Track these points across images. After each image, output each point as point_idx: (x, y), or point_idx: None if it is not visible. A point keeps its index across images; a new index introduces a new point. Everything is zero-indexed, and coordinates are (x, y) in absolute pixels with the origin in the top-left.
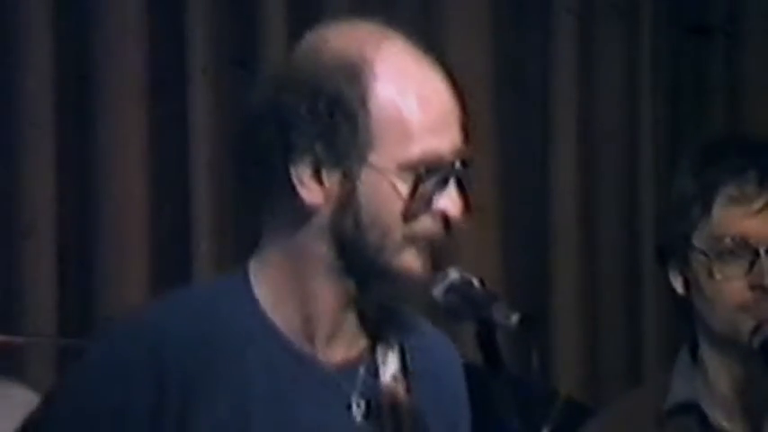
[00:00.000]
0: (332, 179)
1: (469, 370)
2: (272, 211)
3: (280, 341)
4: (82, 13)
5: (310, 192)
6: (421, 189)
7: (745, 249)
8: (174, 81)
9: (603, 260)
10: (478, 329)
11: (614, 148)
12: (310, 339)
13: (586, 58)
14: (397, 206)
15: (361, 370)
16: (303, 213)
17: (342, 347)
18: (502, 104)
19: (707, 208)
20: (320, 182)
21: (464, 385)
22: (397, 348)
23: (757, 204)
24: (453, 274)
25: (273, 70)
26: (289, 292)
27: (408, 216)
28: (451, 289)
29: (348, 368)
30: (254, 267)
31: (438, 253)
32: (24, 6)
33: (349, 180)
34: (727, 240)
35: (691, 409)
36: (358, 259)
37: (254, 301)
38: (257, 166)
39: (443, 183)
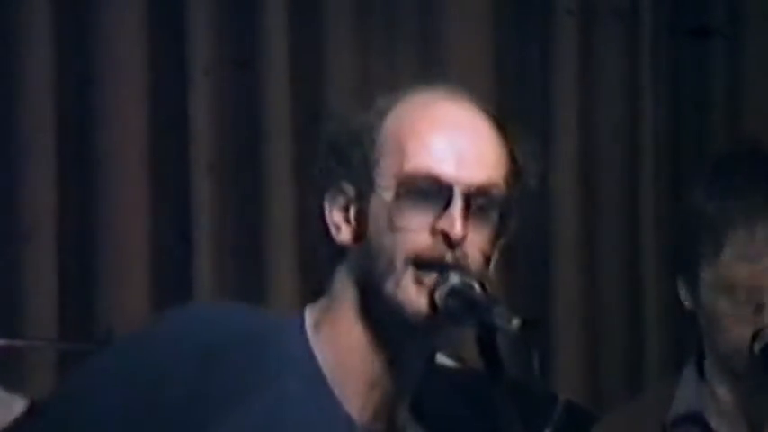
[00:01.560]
0: (354, 213)
1: (470, 374)
2: (321, 259)
3: (320, 390)
4: (82, 15)
5: (339, 231)
6: (415, 202)
7: (751, 296)
8: (174, 83)
9: (604, 264)
10: (479, 334)
11: (615, 151)
12: (344, 389)
13: (587, 60)
14: (392, 219)
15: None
16: (338, 255)
17: (375, 410)
18: (503, 106)
19: (717, 249)
20: (347, 219)
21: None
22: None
23: (766, 261)
24: (454, 279)
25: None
26: (332, 345)
27: (395, 227)
28: (453, 293)
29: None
30: (310, 310)
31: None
32: (25, 10)
33: (364, 209)
34: (735, 287)
35: (695, 419)
36: (372, 294)
37: (302, 336)
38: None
39: (445, 203)
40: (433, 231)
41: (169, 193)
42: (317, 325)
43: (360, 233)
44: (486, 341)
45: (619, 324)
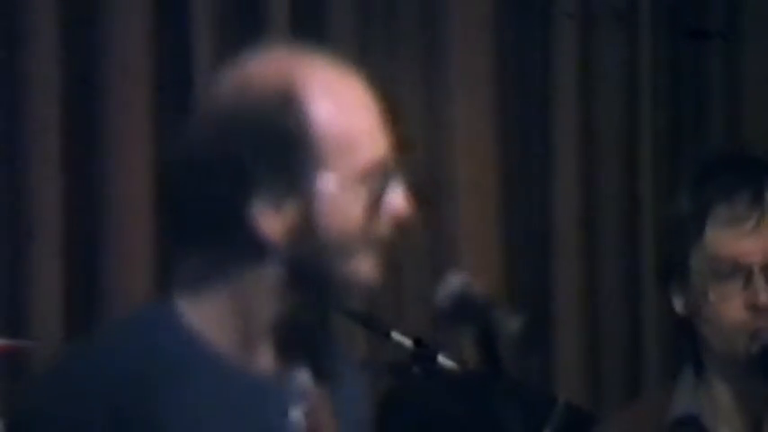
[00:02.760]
0: (290, 208)
1: (469, 376)
2: (220, 245)
3: (214, 359)
4: (87, 17)
5: (269, 227)
6: (371, 192)
7: (740, 269)
8: (179, 85)
9: (604, 265)
10: (479, 335)
11: (614, 152)
12: (247, 352)
13: (586, 62)
14: (358, 217)
15: (295, 377)
16: (258, 248)
17: (280, 358)
18: (503, 109)
19: (700, 230)
20: (279, 215)
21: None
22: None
23: (749, 224)
24: (454, 281)
25: (204, 114)
26: (229, 314)
27: (364, 221)
28: (453, 295)
29: (284, 376)
30: (183, 294)
31: (392, 253)
32: (30, 11)
33: (307, 204)
34: (721, 261)
35: (692, 422)
36: (315, 277)
37: (185, 329)
38: (201, 216)
39: (389, 183)
40: (385, 215)
41: None
42: (203, 307)
43: (301, 227)
44: (487, 343)
45: (618, 325)
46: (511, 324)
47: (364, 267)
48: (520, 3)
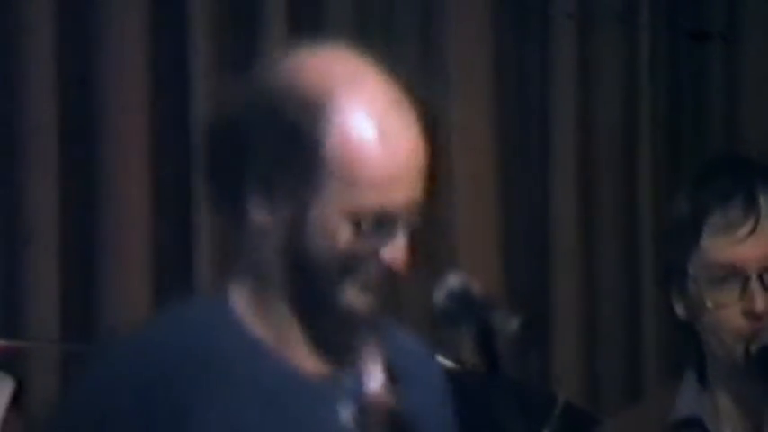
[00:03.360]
0: (281, 207)
1: (468, 376)
2: (235, 228)
3: (263, 354)
4: (84, 18)
5: (260, 215)
6: (362, 237)
7: (736, 276)
8: (176, 85)
9: (603, 265)
10: (478, 335)
11: (613, 154)
12: (295, 350)
13: (586, 62)
14: (337, 249)
15: (347, 377)
16: (257, 233)
17: (320, 358)
18: (501, 109)
19: (696, 236)
20: (271, 214)
21: (444, 379)
22: (378, 356)
23: (743, 231)
24: (453, 280)
25: (243, 86)
26: (263, 309)
27: (348, 260)
28: (451, 295)
29: (334, 376)
30: (233, 285)
31: (384, 296)
32: (26, 12)
33: (297, 214)
34: (717, 268)
35: (695, 425)
36: (306, 288)
37: (236, 319)
38: (218, 185)
39: (390, 234)
40: (379, 262)
41: (170, 195)
42: (245, 300)
43: (290, 229)
44: (485, 342)
45: (617, 325)
46: (509, 324)
47: (350, 297)
48: (518, 3)
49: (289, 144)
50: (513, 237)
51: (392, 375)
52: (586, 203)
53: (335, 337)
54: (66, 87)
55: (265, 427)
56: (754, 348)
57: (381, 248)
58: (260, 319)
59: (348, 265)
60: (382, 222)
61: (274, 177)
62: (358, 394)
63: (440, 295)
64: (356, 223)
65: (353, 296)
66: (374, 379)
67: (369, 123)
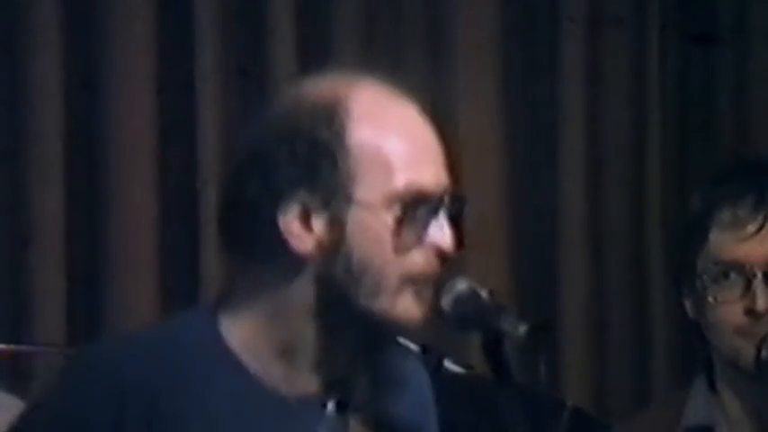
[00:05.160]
0: (320, 224)
1: (477, 381)
2: (258, 259)
3: (246, 377)
4: (89, 22)
5: (300, 240)
6: (408, 220)
7: (740, 274)
8: (182, 90)
9: (612, 270)
10: (486, 340)
11: (622, 158)
12: (282, 375)
13: (593, 67)
14: (387, 240)
15: (330, 404)
16: (292, 263)
17: (315, 381)
18: (509, 115)
19: (705, 233)
20: (309, 229)
21: (430, 392)
22: (364, 381)
23: (751, 228)
24: (461, 285)
25: (260, 120)
26: (263, 336)
27: (399, 249)
28: (459, 299)
29: (318, 401)
30: (225, 306)
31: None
32: (32, 16)
33: (337, 221)
34: (722, 264)
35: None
36: (349, 308)
37: (219, 338)
38: (240, 216)
39: (433, 216)
40: (426, 248)
41: (176, 197)
42: (241, 320)
43: (331, 245)
44: (494, 347)
45: (626, 330)
46: (517, 329)
47: (403, 304)
48: (526, 7)
49: (312, 156)
50: (522, 241)
51: (379, 388)
52: (595, 207)
53: (357, 356)
54: (71, 92)
55: None
56: (765, 354)
57: (427, 233)
58: (246, 346)
59: (399, 263)
60: (422, 205)
61: (307, 195)
62: (338, 421)
63: (448, 300)
64: (398, 214)
65: (408, 303)
66: (360, 394)
67: (385, 111)
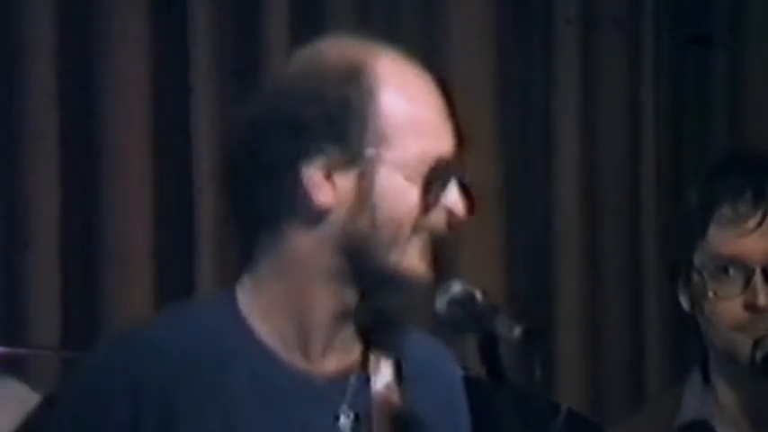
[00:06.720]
0: (345, 180)
1: (471, 383)
2: (274, 222)
3: (266, 355)
4: (85, 25)
5: (323, 192)
6: (431, 183)
7: (740, 268)
8: (177, 91)
9: (606, 272)
10: (481, 342)
11: (617, 160)
12: (303, 351)
13: (588, 69)
14: (413, 200)
15: (353, 380)
16: (312, 215)
17: (336, 357)
18: (504, 115)
19: (704, 227)
20: (332, 183)
21: (462, 392)
22: (391, 357)
23: (751, 223)
24: (456, 287)
25: (273, 82)
26: (282, 304)
27: (421, 209)
28: (454, 301)
29: (340, 378)
30: (244, 283)
31: (440, 255)
32: (27, 19)
33: (363, 179)
34: (722, 259)
35: (701, 427)
36: (367, 262)
37: (239, 317)
38: (258, 177)
39: (449, 181)
40: (442, 210)
41: (172, 199)
42: (259, 297)
43: (356, 200)
44: (488, 349)
45: (621, 332)
46: (512, 331)
47: (413, 260)
48: (520, 8)
49: (341, 114)
50: (516, 243)
51: (401, 375)
52: (590, 208)
53: (380, 319)
54: (67, 94)
55: (263, 428)
56: (759, 356)
57: (444, 196)
58: (266, 321)
59: (417, 221)
60: (438, 172)
61: (335, 151)
62: (362, 398)
63: (442, 301)
64: (425, 172)
65: (416, 260)
66: (381, 380)
67: (408, 78)
